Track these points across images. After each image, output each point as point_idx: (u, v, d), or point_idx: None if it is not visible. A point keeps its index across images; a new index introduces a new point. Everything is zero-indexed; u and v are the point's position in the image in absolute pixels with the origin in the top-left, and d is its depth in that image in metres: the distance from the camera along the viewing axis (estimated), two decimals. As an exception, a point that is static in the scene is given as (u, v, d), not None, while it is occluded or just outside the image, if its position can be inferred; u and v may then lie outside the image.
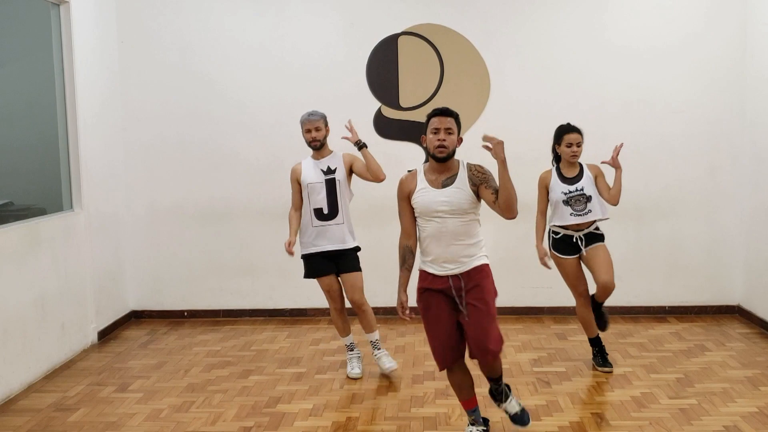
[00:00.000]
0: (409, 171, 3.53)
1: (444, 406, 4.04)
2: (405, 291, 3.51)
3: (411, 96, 5.85)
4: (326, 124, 4.49)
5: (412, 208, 3.43)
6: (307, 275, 4.56)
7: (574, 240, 4.46)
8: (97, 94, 5.54)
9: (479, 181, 3.34)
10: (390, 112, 5.88)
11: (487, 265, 3.43)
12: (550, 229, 4.57)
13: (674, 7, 5.68)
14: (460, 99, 5.80)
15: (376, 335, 4.60)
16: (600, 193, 4.45)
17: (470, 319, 3.33)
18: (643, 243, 5.85)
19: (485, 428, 3.57)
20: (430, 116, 3.37)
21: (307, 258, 4.53)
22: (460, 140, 3.39)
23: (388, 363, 4.54)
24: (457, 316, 3.39)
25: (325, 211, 4.45)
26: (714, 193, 5.77)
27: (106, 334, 5.61)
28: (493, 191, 3.32)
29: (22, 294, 4.50)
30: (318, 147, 4.47)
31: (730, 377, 4.39)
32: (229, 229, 5.99)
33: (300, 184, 4.50)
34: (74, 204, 5.27)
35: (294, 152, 5.45)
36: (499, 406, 3.62)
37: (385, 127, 5.87)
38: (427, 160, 3.48)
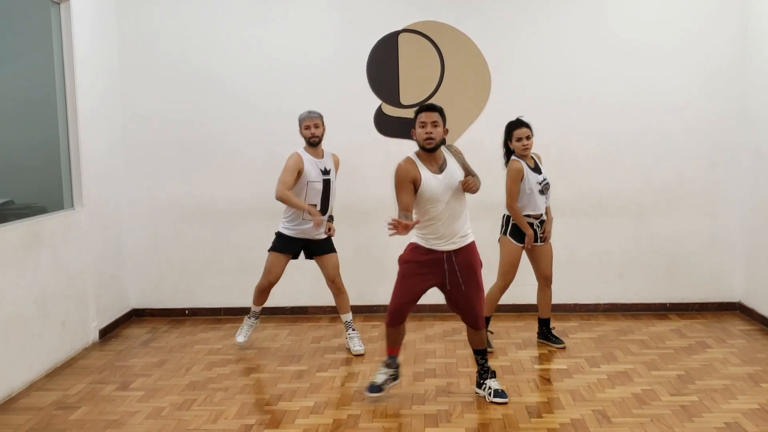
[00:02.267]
0: (403, 160, 3.85)
1: (445, 403, 4.05)
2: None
3: (412, 93, 5.84)
4: (323, 123, 4.88)
5: (414, 190, 3.78)
6: (271, 248, 4.94)
7: (534, 227, 4.79)
8: (97, 93, 5.54)
9: (462, 163, 3.92)
10: (391, 110, 5.87)
11: (474, 241, 4.00)
12: (508, 219, 4.81)
13: (674, 5, 5.67)
14: (461, 96, 5.80)
15: (350, 316, 5.05)
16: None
17: (466, 292, 3.91)
18: (643, 240, 5.84)
19: (396, 372, 4.14)
20: (417, 112, 3.83)
21: (282, 235, 4.91)
22: (446, 131, 3.86)
23: (357, 346, 4.95)
24: (430, 287, 3.95)
25: (319, 208, 4.80)
26: (714, 190, 5.77)
27: (108, 333, 5.61)
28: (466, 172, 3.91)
29: (22, 292, 4.50)
30: (316, 143, 4.83)
31: (731, 374, 4.39)
32: (230, 227, 5.99)
33: (300, 174, 4.74)
34: (75, 202, 5.27)
35: (294, 149, 5.45)
36: (482, 386, 4.07)
37: (386, 125, 5.87)
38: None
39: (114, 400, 4.23)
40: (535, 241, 4.82)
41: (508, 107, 5.72)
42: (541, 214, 4.82)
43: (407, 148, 5.77)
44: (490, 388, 4.04)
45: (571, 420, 3.77)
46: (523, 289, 5.70)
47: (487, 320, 5.02)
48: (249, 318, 5.18)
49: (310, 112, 4.85)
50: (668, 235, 5.83)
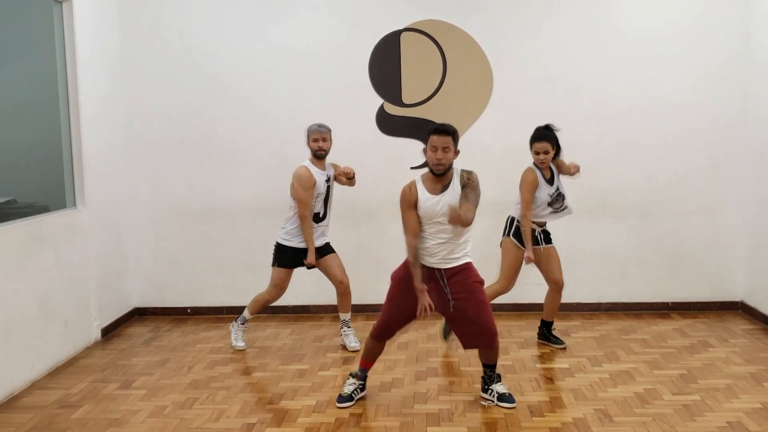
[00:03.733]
0: (408, 184, 3.85)
1: (447, 402, 4.05)
2: (425, 289, 3.77)
3: (414, 92, 5.84)
4: (331, 138, 4.93)
5: (418, 214, 3.79)
6: (279, 264, 4.95)
7: (536, 234, 4.78)
8: (99, 92, 5.54)
9: (463, 186, 3.75)
10: (393, 109, 5.87)
11: (470, 262, 3.90)
12: (516, 220, 4.79)
13: (676, 5, 5.66)
14: (463, 95, 5.80)
15: (348, 315, 5.13)
16: (565, 173, 4.85)
17: (471, 313, 3.81)
18: (645, 239, 5.84)
19: (363, 383, 4.12)
20: (429, 133, 3.74)
21: (285, 248, 4.93)
22: (456, 153, 3.77)
23: (353, 342, 5.04)
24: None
25: (321, 215, 4.94)
26: (717, 189, 5.77)
27: (110, 332, 5.62)
28: (464, 200, 3.70)
29: (25, 291, 4.50)
30: (323, 156, 4.89)
31: (733, 373, 4.39)
32: (232, 226, 5.99)
33: (312, 188, 4.84)
34: (77, 201, 5.28)
35: (296, 149, 5.45)
36: (487, 390, 4.02)
37: (388, 124, 5.87)
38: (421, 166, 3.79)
39: (116, 399, 4.23)
40: (537, 244, 4.80)
41: (510, 106, 5.75)
42: (545, 223, 4.85)
43: (408, 147, 5.82)
44: (496, 392, 3.99)
45: (573, 419, 3.77)
46: (525, 289, 5.71)
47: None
48: (240, 323, 5.15)
49: (320, 125, 4.86)
50: (670, 234, 5.82)
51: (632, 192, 5.81)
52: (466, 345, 3.96)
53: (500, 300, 5.71)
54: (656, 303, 5.88)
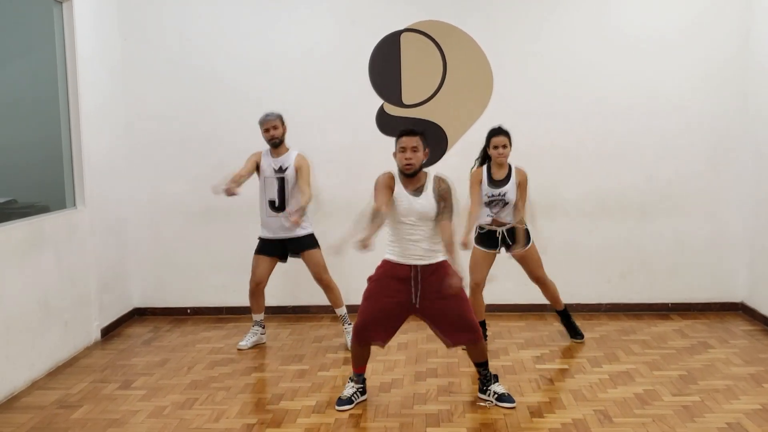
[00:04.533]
0: (384, 173, 3.88)
1: (446, 403, 4.05)
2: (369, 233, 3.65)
3: (414, 93, 5.84)
4: (283, 123, 5.00)
5: (391, 193, 3.80)
6: (256, 252, 5.11)
7: (497, 234, 4.82)
8: (99, 92, 5.54)
9: (441, 199, 3.80)
10: (393, 110, 5.87)
11: (446, 260, 3.85)
12: (476, 225, 4.86)
13: (676, 4, 5.66)
14: (463, 95, 5.80)
15: (343, 310, 5.14)
16: (516, 200, 4.79)
17: (449, 305, 3.81)
18: (645, 239, 5.84)
19: (363, 386, 4.09)
20: (397, 136, 3.82)
21: (260, 238, 5.11)
22: (426, 154, 3.84)
23: None
24: (398, 305, 3.85)
25: (276, 204, 4.99)
26: (717, 189, 5.76)
27: (110, 332, 5.62)
28: (445, 217, 3.78)
29: (25, 291, 4.50)
30: (277, 144, 4.97)
31: (733, 374, 4.39)
32: (232, 226, 5.99)
33: (257, 169, 5.02)
34: (77, 201, 5.28)
35: (296, 148, 5.46)
36: (486, 391, 4.03)
37: (388, 125, 5.87)
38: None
39: (116, 399, 4.23)
40: (495, 246, 4.84)
41: (510, 107, 5.75)
42: (506, 223, 4.81)
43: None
44: (495, 393, 4.00)
45: (572, 420, 3.77)
46: (524, 289, 5.71)
47: (483, 324, 5.02)
48: (254, 326, 5.22)
49: (267, 114, 4.95)
50: (670, 234, 5.82)
51: (632, 192, 5.81)
52: (452, 342, 3.95)
53: (499, 301, 5.74)
54: (656, 304, 5.88)
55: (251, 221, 5.94)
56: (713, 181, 5.76)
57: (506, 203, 4.76)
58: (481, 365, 4.05)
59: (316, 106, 5.82)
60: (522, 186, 4.79)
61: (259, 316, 5.21)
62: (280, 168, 4.97)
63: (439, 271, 3.82)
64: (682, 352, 4.84)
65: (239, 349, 5.12)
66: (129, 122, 5.95)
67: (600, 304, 5.91)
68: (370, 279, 3.99)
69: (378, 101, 5.86)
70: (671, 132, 5.74)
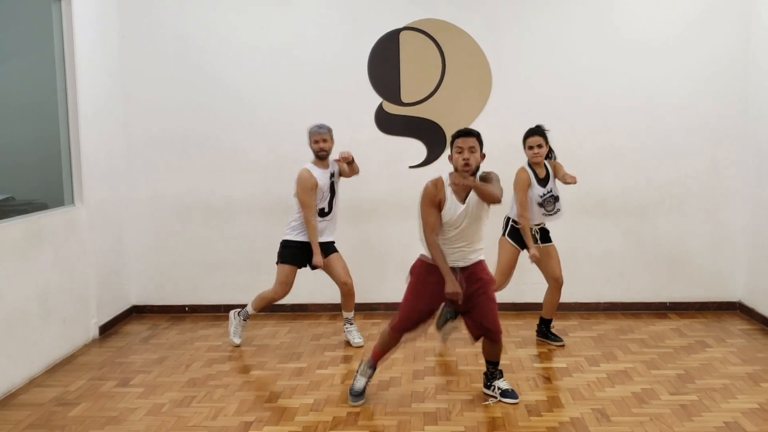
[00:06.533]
0: (432, 180, 3.81)
1: (444, 401, 4.05)
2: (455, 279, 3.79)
3: (412, 91, 5.84)
4: (332, 137, 4.96)
5: (439, 211, 3.78)
6: (283, 260, 4.95)
7: (533, 232, 4.81)
8: (98, 89, 5.54)
9: (484, 179, 3.77)
10: (391, 108, 5.87)
11: (484, 260, 3.97)
12: (511, 220, 4.86)
13: (677, 4, 5.66)
14: (462, 94, 5.80)
15: (352, 314, 5.17)
16: (560, 179, 4.82)
17: (481, 308, 3.87)
18: (644, 239, 5.84)
19: (369, 379, 4.10)
20: (454, 137, 3.77)
21: (288, 244, 4.96)
22: (483, 156, 3.80)
23: (357, 338, 5.11)
24: (437, 302, 3.92)
25: (326, 210, 4.96)
26: (716, 189, 5.77)
27: (108, 329, 5.62)
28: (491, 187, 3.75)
29: (23, 289, 4.50)
30: (324, 157, 4.92)
31: (730, 373, 4.39)
32: (230, 224, 5.99)
33: (314, 190, 4.86)
34: (76, 199, 5.28)
35: (294, 148, 5.47)
36: (490, 387, 4.08)
37: (387, 123, 5.87)
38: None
39: (114, 397, 4.23)
40: (535, 242, 4.82)
41: (509, 106, 5.75)
42: (541, 224, 4.87)
43: (407, 146, 5.82)
44: (499, 388, 4.05)
45: (570, 419, 3.78)
46: (523, 288, 5.72)
47: None
48: (241, 318, 5.17)
49: (319, 126, 4.90)
50: (669, 234, 5.83)
51: (632, 192, 5.81)
52: (476, 338, 4.00)
53: (498, 300, 5.72)
54: (654, 303, 5.88)
55: (249, 220, 5.97)
56: (712, 181, 5.76)
57: (557, 197, 4.79)
58: (492, 363, 4.10)
59: (315, 104, 5.81)
60: (559, 168, 4.84)
61: (254, 313, 5.19)
62: (332, 174, 4.98)
63: (477, 267, 3.89)
64: (679, 351, 4.85)
65: (236, 346, 5.12)
66: (128, 120, 5.94)
67: (598, 303, 5.91)
68: (413, 270, 3.99)
69: (377, 99, 5.86)
70: (671, 132, 5.74)
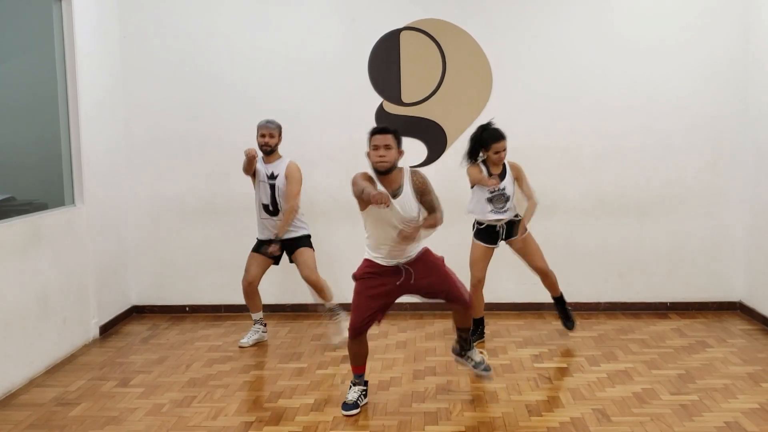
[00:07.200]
0: (361, 172, 3.86)
1: (445, 401, 4.05)
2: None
3: (413, 91, 5.84)
4: (280, 134, 5.09)
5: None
6: (252, 251, 5.18)
7: (497, 229, 4.83)
8: (98, 89, 5.54)
9: (420, 194, 3.82)
10: (392, 108, 5.87)
11: (426, 247, 3.97)
12: (474, 221, 4.90)
13: (676, 4, 5.66)
14: (462, 94, 5.80)
15: (332, 303, 5.16)
16: (521, 190, 4.86)
17: (436, 280, 3.88)
18: (644, 239, 5.84)
19: (365, 387, 4.05)
20: (370, 134, 3.83)
21: (258, 239, 5.20)
22: (400, 153, 3.83)
23: (343, 333, 4.98)
24: (389, 291, 3.88)
25: (270, 208, 5.07)
26: (716, 189, 5.76)
27: (108, 329, 5.62)
28: (430, 211, 3.84)
29: (23, 289, 4.50)
30: (268, 152, 5.04)
31: (731, 373, 4.39)
32: (230, 224, 5.99)
33: (255, 172, 5.08)
34: (76, 199, 5.28)
35: (295, 147, 5.46)
36: (463, 356, 4.14)
37: (387, 123, 5.85)
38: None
39: (114, 397, 4.23)
40: (495, 241, 4.86)
41: (509, 106, 5.74)
42: (499, 219, 4.81)
43: (408, 146, 5.80)
44: (472, 360, 4.11)
45: (571, 419, 3.77)
46: (523, 288, 5.72)
47: (481, 321, 5.07)
48: (255, 325, 5.25)
49: (268, 121, 5.03)
50: (669, 234, 5.82)
51: (632, 192, 5.81)
52: (447, 307, 4.05)
53: (499, 300, 5.75)
54: (654, 303, 5.88)
55: (249, 220, 5.95)
56: (712, 181, 5.76)
57: (507, 197, 4.78)
58: (464, 330, 4.09)
59: (316, 104, 5.82)
60: (519, 178, 4.85)
61: (258, 315, 5.23)
62: (272, 174, 5.04)
63: (422, 256, 3.91)
64: (680, 351, 4.84)
65: (240, 346, 5.13)
66: (128, 120, 5.94)
67: (598, 303, 5.91)
68: (355, 276, 3.97)
69: (377, 99, 5.86)
70: (671, 132, 5.73)
